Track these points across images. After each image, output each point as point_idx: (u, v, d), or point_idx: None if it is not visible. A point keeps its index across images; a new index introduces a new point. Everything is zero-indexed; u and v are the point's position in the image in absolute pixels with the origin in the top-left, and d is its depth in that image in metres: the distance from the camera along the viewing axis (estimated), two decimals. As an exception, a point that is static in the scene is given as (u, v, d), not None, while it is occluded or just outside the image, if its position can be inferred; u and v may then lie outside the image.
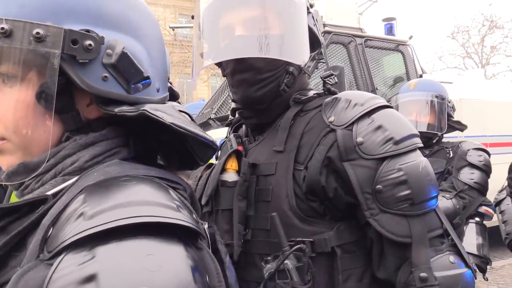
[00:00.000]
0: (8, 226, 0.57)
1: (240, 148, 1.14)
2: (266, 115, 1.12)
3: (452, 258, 0.97)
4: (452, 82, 5.74)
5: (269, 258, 0.96)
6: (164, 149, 0.74)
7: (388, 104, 1.06)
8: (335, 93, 1.12)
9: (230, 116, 1.30)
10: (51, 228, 0.53)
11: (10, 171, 0.63)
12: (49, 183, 0.61)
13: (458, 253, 1.00)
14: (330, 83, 1.15)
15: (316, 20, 1.15)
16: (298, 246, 0.93)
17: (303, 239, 0.97)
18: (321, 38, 1.18)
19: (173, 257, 0.49)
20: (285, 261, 0.92)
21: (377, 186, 0.95)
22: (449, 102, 2.44)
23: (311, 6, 1.13)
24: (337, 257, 0.98)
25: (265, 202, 1.04)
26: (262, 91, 1.06)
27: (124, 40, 0.63)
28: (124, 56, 0.62)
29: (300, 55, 1.06)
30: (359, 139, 0.98)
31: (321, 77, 1.17)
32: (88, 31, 0.60)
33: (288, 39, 1.04)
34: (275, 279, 0.93)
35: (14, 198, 0.68)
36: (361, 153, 0.97)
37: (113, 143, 0.66)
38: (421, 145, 1.03)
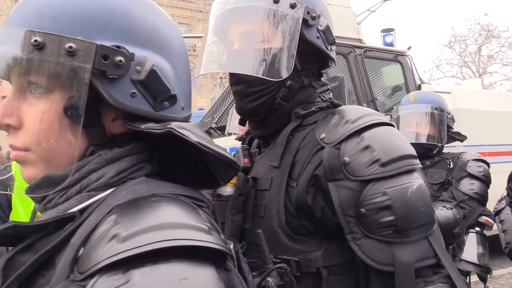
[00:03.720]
0: (34, 244, 0.57)
1: (246, 160, 1.13)
2: (267, 127, 1.12)
3: None
4: (450, 92, 5.76)
5: (254, 273, 0.92)
6: (185, 167, 0.73)
7: (386, 121, 1.00)
8: (339, 106, 1.08)
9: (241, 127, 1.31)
10: (82, 248, 0.52)
11: (34, 184, 0.62)
12: (74, 199, 0.61)
13: (453, 286, 0.90)
14: (324, 99, 1.12)
15: (322, 32, 1.07)
16: (279, 265, 0.92)
17: (288, 258, 0.96)
18: (330, 53, 1.11)
19: (207, 281, 0.49)
20: (267, 278, 0.89)
21: (361, 210, 0.90)
22: (449, 114, 2.49)
23: (314, 18, 1.05)
24: (323, 279, 0.95)
25: (259, 217, 1.03)
26: (254, 103, 1.06)
27: (153, 58, 0.64)
28: (153, 73, 0.62)
29: (277, 71, 1.00)
30: (346, 159, 0.93)
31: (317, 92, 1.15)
32: (118, 47, 0.60)
33: (263, 55, 1.01)
34: None
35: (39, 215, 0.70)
36: (347, 174, 0.92)
37: (137, 158, 0.66)
38: (418, 166, 0.97)
